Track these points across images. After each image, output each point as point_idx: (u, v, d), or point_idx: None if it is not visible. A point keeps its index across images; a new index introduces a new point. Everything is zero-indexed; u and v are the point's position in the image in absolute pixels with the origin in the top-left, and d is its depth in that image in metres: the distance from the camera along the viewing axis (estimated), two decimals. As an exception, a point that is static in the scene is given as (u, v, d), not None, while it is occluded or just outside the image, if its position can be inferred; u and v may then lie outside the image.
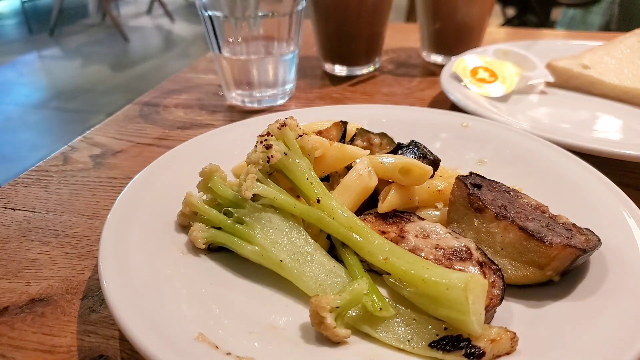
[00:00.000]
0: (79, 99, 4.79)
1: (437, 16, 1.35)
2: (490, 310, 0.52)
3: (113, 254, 0.56)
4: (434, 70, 1.40)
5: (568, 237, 0.56)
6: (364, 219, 0.63)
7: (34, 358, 0.54)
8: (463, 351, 0.48)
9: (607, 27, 3.25)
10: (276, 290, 0.59)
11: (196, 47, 6.36)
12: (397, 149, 0.75)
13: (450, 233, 0.60)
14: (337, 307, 0.50)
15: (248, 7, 1.05)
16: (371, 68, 1.37)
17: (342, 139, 0.78)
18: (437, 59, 1.44)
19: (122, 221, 0.62)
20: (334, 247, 0.61)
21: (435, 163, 0.71)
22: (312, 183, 0.62)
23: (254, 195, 0.60)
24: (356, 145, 0.77)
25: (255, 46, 1.10)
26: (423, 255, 0.57)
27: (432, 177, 0.70)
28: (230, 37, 1.08)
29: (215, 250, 0.63)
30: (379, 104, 1.15)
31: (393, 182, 0.67)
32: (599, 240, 0.57)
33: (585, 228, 0.59)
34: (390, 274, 0.55)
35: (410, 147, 0.73)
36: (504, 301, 0.53)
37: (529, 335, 0.50)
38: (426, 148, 0.73)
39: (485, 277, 0.54)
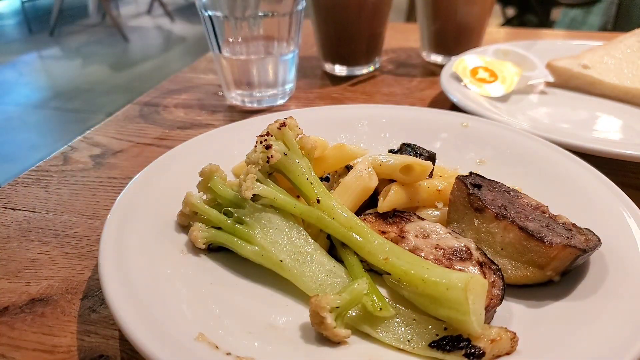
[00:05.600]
0: (79, 99, 4.79)
1: (437, 16, 1.35)
2: (490, 310, 0.52)
3: (113, 254, 0.56)
4: (434, 70, 1.40)
5: (568, 237, 0.56)
6: (364, 219, 0.63)
7: (34, 358, 0.54)
8: (463, 351, 0.48)
9: (604, 28, 3.25)
10: (276, 290, 0.59)
11: (196, 47, 6.36)
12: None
13: (450, 233, 0.60)
14: (337, 307, 0.50)
15: (248, 7, 1.05)
16: (371, 68, 1.37)
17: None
18: (437, 59, 1.44)
19: (122, 221, 0.62)
20: (334, 247, 0.61)
21: (431, 158, 0.72)
22: (312, 183, 0.62)
23: (253, 195, 0.60)
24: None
25: (255, 46, 1.09)
26: (423, 255, 0.57)
27: (431, 176, 0.70)
28: (230, 37, 1.08)
29: (215, 250, 0.63)
30: (379, 104, 1.15)
31: (393, 181, 0.67)
32: (599, 240, 0.57)
33: (585, 228, 0.59)
34: (390, 274, 0.55)
35: (403, 150, 0.73)
36: (504, 301, 0.53)
37: (529, 335, 0.50)
38: (419, 147, 0.73)
39: (485, 277, 0.54)
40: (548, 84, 1.21)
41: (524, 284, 0.57)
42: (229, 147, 0.82)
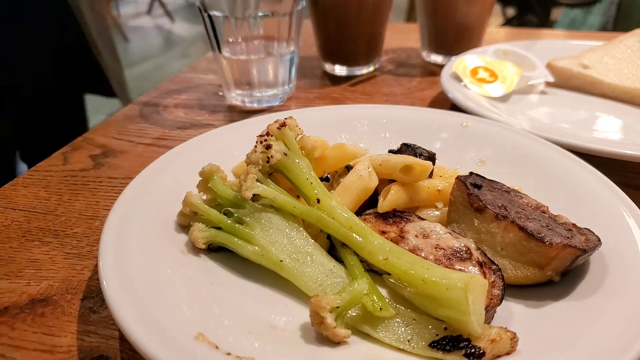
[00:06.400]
0: (79, 99, 4.78)
1: (437, 16, 1.35)
2: (490, 310, 0.52)
3: (113, 254, 0.56)
4: (434, 70, 1.40)
5: (568, 237, 0.56)
6: (364, 219, 0.63)
7: (34, 358, 0.54)
8: (463, 351, 0.48)
9: (604, 28, 3.25)
10: (276, 290, 0.59)
11: (196, 47, 6.36)
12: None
13: (450, 233, 0.60)
14: (337, 307, 0.50)
15: (248, 7, 1.05)
16: (371, 68, 1.37)
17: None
18: (437, 59, 1.44)
19: (122, 221, 0.62)
20: (334, 247, 0.61)
21: (431, 158, 0.72)
22: (312, 183, 0.62)
23: (253, 195, 0.60)
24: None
25: (255, 46, 1.10)
26: (423, 255, 0.57)
27: (431, 176, 0.70)
28: (230, 37, 1.08)
29: (215, 250, 0.63)
30: (379, 104, 1.15)
31: (393, 181, 0.67)
32: (599, 240, 0.57)
33: (585, 228, 0.59)
34: (390, 274, 0.55)
35: (403, 150, 0.73)
36: (504, 301, 0.53)
37: (529, 335, 0.50)
38: (419, 147, 0.73)
39: (485, 277, 0.54)
40: (548, 84, 1.21)
41: (524, 284, 0.57)
42: (229, 147, 0.82)
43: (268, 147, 0.62)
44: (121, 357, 0.54)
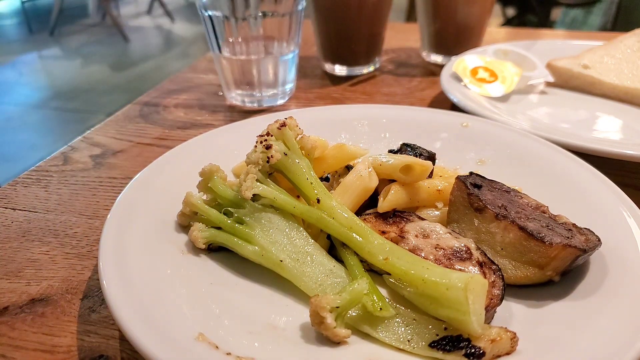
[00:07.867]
0: (79, 99, 4.79)
1: (437, 16, 1.35)
2: (490, 310, 0.52)
3: (113, 254, 0.56)
4: (434, 70, 1.40)
5: (568, 237, 0.56)
6: (364, 219, 0.63)
7: (34, 358, 0.54)
8: (463, 351, 0.48)
9: (604, 28, 3.26)
10: (276, 290, 0.59)
11: (196, 47, 6.36)
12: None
13: (450, 233, 0.60)
14: (337, 307, 0.50)
15: (248, 7, 1.05)
16: (371, 68, 1.37)
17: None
18: (437, 59, 1.44)
19: (122, 221, 0.62)
20: (334, 247, 0.61)
21: (431, 158, 0.72)
22: (312, 183, 0.62)
23: (253, 195, 0.60)
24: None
25: (255, 46, 1.09)
26: (423, 255, 0.57)
27: (431, 176, 0.70)
28: (230, 37, 1.08)
29: (215, 250, 0.63)
30: (379, 104, 1.15)
31: (393, 181, 0.67)
32: (599, 240, 0.57)
33: (585, 228, 0.59)
34: (390, 274, 0.55)
35: (403, 150, 0.73)
36: (504, 301, 0.53)
37: (529, 335, 0.50)
38: (419, 147, 0.73)
39: (485, 277, 0.54)
40: (548, 84, 1.21)
41: (524, 284, 0.57)
42: (229, 147, 0.82)
43: (268, 147, 0.62)
44: (121, 357, 0.54)
